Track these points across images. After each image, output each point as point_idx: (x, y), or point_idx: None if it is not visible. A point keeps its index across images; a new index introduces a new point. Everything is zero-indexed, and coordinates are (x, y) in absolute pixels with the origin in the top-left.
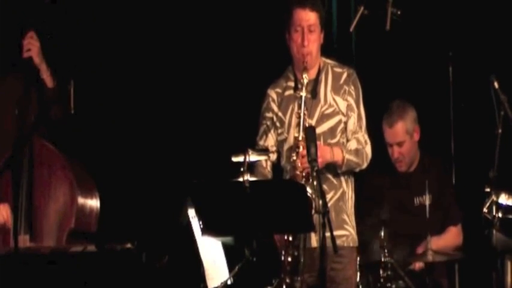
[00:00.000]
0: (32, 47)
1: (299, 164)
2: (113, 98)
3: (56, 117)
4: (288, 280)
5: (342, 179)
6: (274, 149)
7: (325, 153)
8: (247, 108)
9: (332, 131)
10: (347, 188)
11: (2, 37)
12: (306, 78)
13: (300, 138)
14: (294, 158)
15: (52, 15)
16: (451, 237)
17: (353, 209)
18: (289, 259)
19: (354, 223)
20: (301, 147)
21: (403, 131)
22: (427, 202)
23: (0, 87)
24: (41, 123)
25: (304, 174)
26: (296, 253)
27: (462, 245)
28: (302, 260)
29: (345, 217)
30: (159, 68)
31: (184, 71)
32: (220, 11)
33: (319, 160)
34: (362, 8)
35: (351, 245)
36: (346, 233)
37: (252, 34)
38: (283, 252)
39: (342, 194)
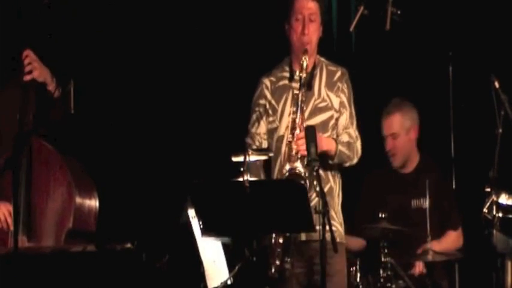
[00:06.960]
0: (32, 68)
1: (294, 146)
2: (112, 98)
3: (56, 118)
4: (277, 262)
5: (329, 174)
6: (265, 137)
7: (320, 141)
8: (247, 108)
9: (324, 125)
10: (334, 184)
11: (2, 39)
12: (305, 59)
13: (298, 119)
14: (290, 139)
15: (51, 14)
16: (450, 241)
17: (340, 207)
18: (281, 240)
19: (341, 220)
20: (298, 130)
21: (398, 123)
22: (427, 205)
23: (1, 93)
24: (40, 123)
25: (299, 156)
26: (288, 234)
27: (462, 246)
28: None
29: (332, 213)
30: (159, 68)
31: (185, 71)
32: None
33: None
34: (362, 8)
35: (338, 240)
36: (333, 228)
37: (253, 36)
38: (273, 235)
39: (330, 190)
